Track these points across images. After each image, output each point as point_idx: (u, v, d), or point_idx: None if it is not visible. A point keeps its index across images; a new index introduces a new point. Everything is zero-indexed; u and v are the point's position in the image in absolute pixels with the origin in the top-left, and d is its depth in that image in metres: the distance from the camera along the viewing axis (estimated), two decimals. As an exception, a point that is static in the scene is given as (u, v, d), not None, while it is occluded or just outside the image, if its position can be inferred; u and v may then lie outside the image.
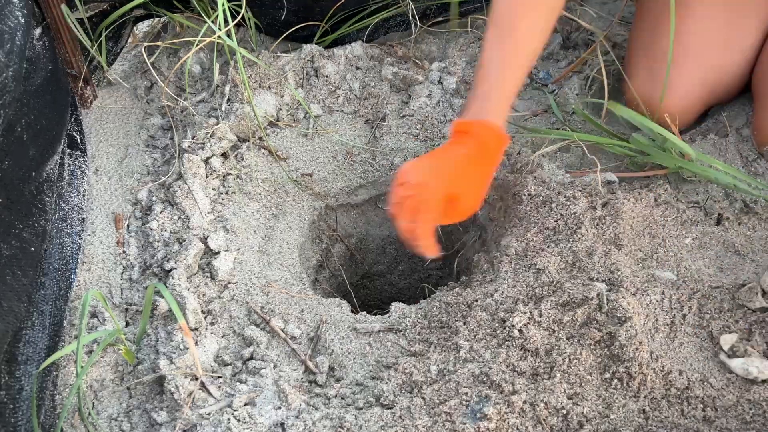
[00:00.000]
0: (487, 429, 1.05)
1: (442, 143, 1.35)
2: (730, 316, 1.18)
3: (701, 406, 1.09)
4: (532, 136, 1.52)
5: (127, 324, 1.30)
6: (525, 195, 1.38)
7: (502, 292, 1.22)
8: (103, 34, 1.50)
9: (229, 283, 1.32)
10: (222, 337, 1.26)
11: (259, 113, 1.50)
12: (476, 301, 1.24)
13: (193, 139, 1.46)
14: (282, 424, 1.12)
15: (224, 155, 1.49)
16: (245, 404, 1.15)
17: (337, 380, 1.21)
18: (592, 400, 1.09)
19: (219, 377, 1.20)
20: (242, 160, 1.48)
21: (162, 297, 1.26)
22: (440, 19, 1.70)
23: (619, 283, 1.20)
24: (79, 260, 1.34)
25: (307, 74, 1.61)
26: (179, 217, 1.38)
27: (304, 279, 1.43)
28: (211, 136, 1.45)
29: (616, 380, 1.10)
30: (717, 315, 1.18)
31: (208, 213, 1.39)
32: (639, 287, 1.20)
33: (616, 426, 1.07)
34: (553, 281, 1.21)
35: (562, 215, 1.31)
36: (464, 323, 1.20)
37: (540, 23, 1.23)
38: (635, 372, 1.09)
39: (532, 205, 1.36)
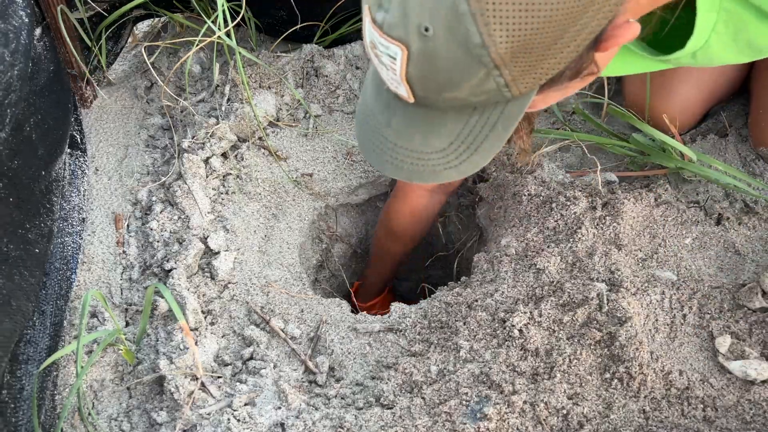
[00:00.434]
0: (487, 429, 1.05)
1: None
2: (730, 317, 1.18)
3: (701, 406, 1.09)
4: (532, 136, 1.52)
5: (127, 324, 1.30)
6: (525, 195, 1.38)
7: (502, 292, 1.22)
8: (103, 34, 1.50)
9: (229, 283, 1.32)
10: (222, 337, 1.26)
11: (259, 113, 1.50)
12: (476, 301, 1.24)
13: (193, 139, 1.46)
14: (282, 424, 1.12)
15: (224, 155, 1.49)
16: (245, 404, 1.15)
17: (337, 380, 1.21)
18: (592, 400, 1.09)
19: (219, 377, 1.20)
20: (242, 160, 1.48)
21: (162, 297, 1.26)
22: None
23: (619, 283, 1.20)
24: (79, 260, 1.34)
25: (307, 74, 1.61)
26: (179, 217, 1.38)
27: (304, 279, 1.43)
28: (211, 136, 1.45)
29: (616, 380, 1.10)
30: (717, 315, 1.18)
31: (208, 213, 1.39)
32: (639, 287, 1.20)
33: (616, 426, 1.07)
34: (553, 281, 1.21)
35: (562, 215, 1.31)
36: (464, 323, 1.20)
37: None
38: (635, 372, 1.09)
39: (532, 205, 1.36)
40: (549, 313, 1.16)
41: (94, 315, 1.27)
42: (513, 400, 1.07)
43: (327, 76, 1.61)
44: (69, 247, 1.32)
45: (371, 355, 1.23)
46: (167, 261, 1.30)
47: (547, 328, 1.15)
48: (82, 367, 1.14)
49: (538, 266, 1.24)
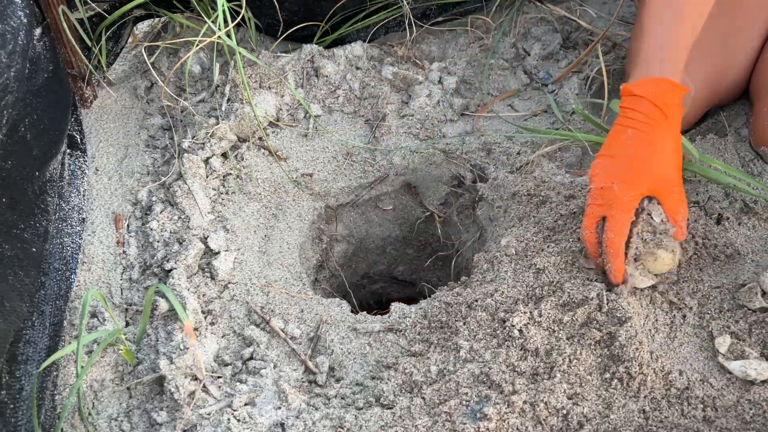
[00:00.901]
0: (487, 429, 1.05)
1: (613, 119, 1.17)
2: (730, 316, 1.18)
3: (701, 406, 1.09)
4: (532, 136, 1.52)
5: (127, 324, 1.30)
6: (525, 195, 1.38)
7: (502, 292, 1.22)
8: (104, 35, 1.50)
9: (229, 283, 1.32)
10: (222, 337, 1.27)
11: (259, 113, 1.50)
12: (476, 301, 1.23)
13: (193, 139, 1.46)
14: (282, 424, 1.12)
15: (224, 155, 1.49)
16: (245, 404, 1.15)
17: (337, 380, 1.21)
18: (592, 400, 1.09)
19: (219, 377, 1.20)
20: (242, 160, 1.48)
21: (162, 297, 1.26)
22: (440, 19, 1.70)
23: (619, 283, 1.20)
24: (79, 260, 1.34)
25: (307, 74, 1.61)
26: (179, 217, 1.38)
27: (304, 279, 1.43)
28: (211, 136, 1.45)
29: (616, 380, 1.10)
30: (717, 315, 1.18)
31: (208, 213, 1.39)
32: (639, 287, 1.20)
33: (616, 426, 1.07)
34: (553, 281, 1.21)
35: (562, 215, 1.31)
36: (464, 323, 1.20)
37: None
38: (635, 372, 1.09)
39: (532, 205, 1.36)
40: (549, 313, 1.16)
41: (94, 315, 1.27)
42: (513, 400, 1.07)
43: (327, 76, 1.61)
44: (68, 248, 1.32)
45: (371, 355, 1.23)
46: (167, 261, 1.30)
47: (547, 328, 1.15)
48: (82, 367, 1.14)
49: (538, 266, 1.24)
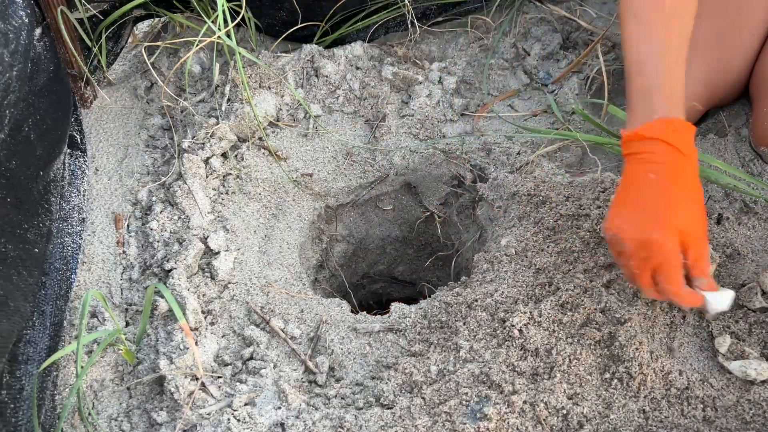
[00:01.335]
0: (487, 429, 1.05)
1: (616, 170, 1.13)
2: (730, 316, 1.18)
3: (701, 406, 1.09)
4: (532, 136, 1.52)
5: (127, 324, 1.30)
6: (525, 195, 1.38)
7: (502, 292, 1.22)
8: (104, 35, 1.50)
9: (229, 283, 1.33)
10: (222, 337, 1.27)
11: (259, 113, 1.50)
12: (476, 301, 1.24)
13: (193, 139, 1.46)
14: (282, 424, 1.12)
15: (224, 155, 1.49)
16: (245, 404, 1.15)
17: (337, 380, 1.21)
18: (592, 400, 1.09)
19: (219, 377, 1.20)
20: (242, 160, 1.48)
21: (162, 297, 1.26)
22: (440, 19, 1.70)
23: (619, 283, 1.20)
24: (79, 260, 1.34)
25: (307, 74, 1.61)
26: (179, 217, 1.38)
27: (304, 279, 1.43)
28: (211, 136, 1.46)
29: (616, 380, 1.10)
30: (717, 315, 1.18)
31: (208, 213, 1.39)
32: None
33: (616, 426, 1.08)
34: (553, 281, 1.21)
35: (562, 215, 1.31)
36: (464, 323, 1.20)
37: None
38: (635, 372, 1.09)
39: (532, 205, 1.36)
40: (549, 313, 1.16)
41: (94, 315, 1.28)
42: (513, 400, 1.07)
43: (327, 76, 1.61)
44: (69, 247, 1.32)
45: (371, 355, 1.23)
46: (167, 261, 1.30)
47: (547, 328, 1.15)
48: (82, 367, 1.14)
49: (537, 266, 1.24)
